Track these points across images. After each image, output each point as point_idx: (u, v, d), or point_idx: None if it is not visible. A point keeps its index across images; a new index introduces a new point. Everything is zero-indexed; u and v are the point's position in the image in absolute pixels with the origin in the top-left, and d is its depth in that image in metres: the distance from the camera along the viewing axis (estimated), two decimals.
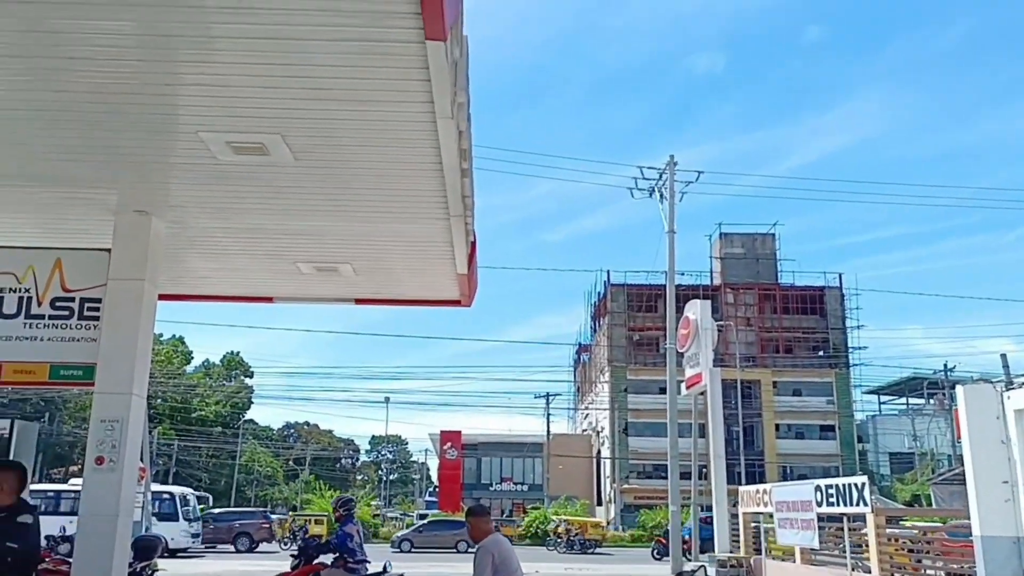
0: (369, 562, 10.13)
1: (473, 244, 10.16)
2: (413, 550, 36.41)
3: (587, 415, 74.93)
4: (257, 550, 34.91)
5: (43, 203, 8.88)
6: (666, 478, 26.20)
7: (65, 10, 5.28)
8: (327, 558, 10.12)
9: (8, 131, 7.21)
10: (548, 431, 58.48)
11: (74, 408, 50.28)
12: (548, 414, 58.25)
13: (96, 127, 6.96)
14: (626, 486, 58.14)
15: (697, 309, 24.35)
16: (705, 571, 18.39)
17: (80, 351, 9.13)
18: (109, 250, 9.19)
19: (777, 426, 64.58)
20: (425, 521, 41.80)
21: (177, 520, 30.52)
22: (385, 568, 9.79)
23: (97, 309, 9.19)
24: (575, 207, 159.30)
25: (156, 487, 32.13)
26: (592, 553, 35.78)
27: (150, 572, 10.42)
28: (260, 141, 7.08)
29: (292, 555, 10.83)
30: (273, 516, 43.33)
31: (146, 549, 10.39)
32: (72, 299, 9.29)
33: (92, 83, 6.20)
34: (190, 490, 35.60)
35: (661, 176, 29.62)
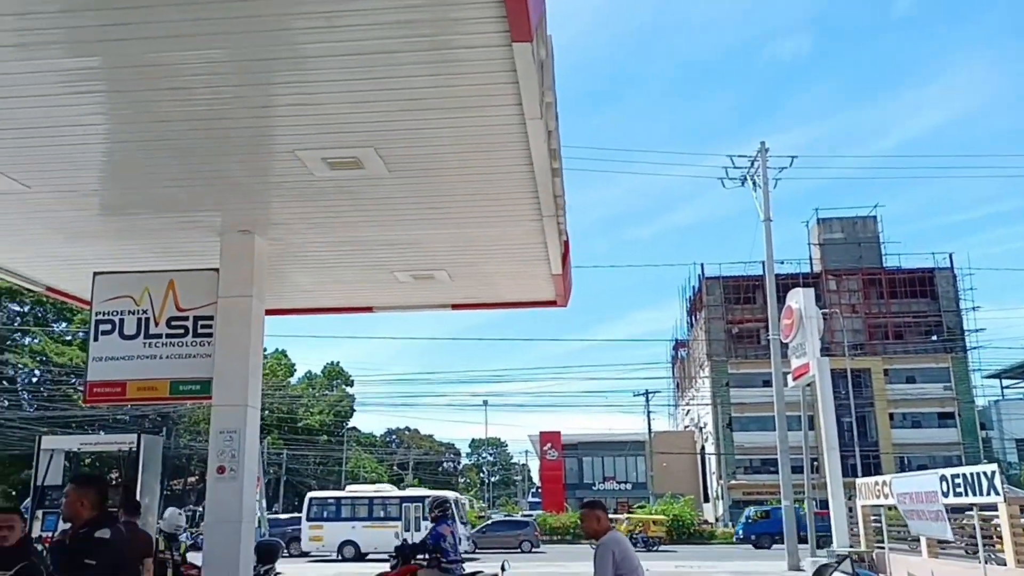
0: (463, 562, 10.24)
1: (566, 244, 10.12)
2: (477, 551, 36.43)
3: (688, 411, 73.74)
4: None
5: (154, 229, 9.31)
6: (775, 472, 25.53)
7: (161, 44, 5.50)
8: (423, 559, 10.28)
9: (119, 164, 7.59)
10: (649, 428, 57.84)
11: (188, 422, 52.59)
12: (648, 411, 57.64)
13: (197, 153, 7.25)
14: (733, 482, 56.90)
15: (800, 297, 23.61)
16: (851, 562, 17.51)
17: (197, 367, 9.54)
18: (217, 269, 9.58)
19: (891, 415, 62.02)
20: (488, 522, 41.78)
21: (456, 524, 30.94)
22: (503, 567, 9.84)
23: (210, 326, 9.59)
24: (663, 202, 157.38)
25: (432, 492, 34.04)
26: (655, 551, 35.34)
27: (273, 575, 10.82)
28: (354, 155, 7.23)
29: (390, 556, 11.04)
30: None
31: (268, 552, 10.82)
32: (186, 318, 9.71)
33: (191, 111, 6.46)
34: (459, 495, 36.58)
35: (753, 164, 28.94)
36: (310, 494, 35.14)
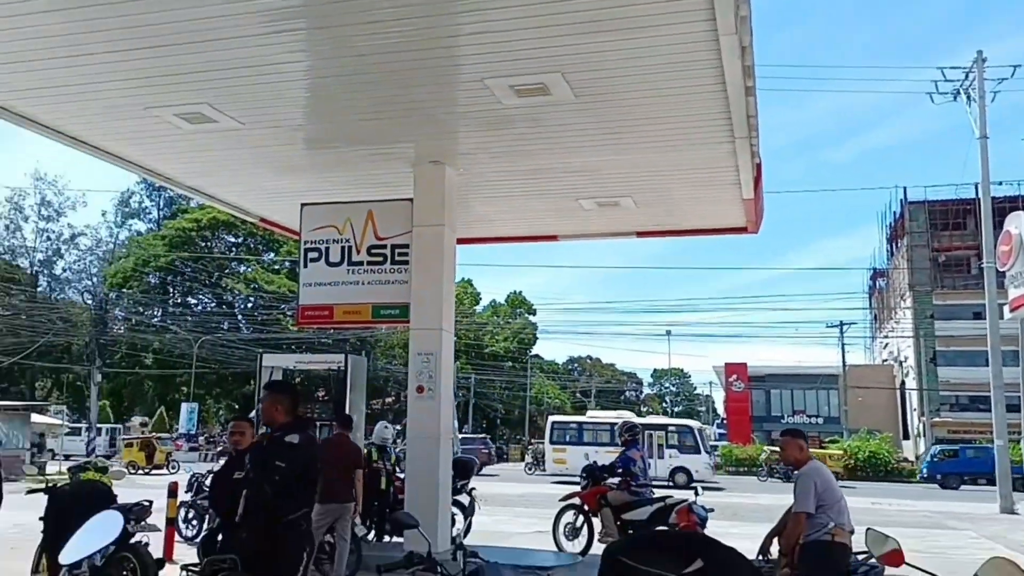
0: (652, 487, 10.27)
1: (758, 167, 9.69)
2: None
3: (887, 344, 69.58)
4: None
5: (352, 161, 9.82)
6: (984, 410, 23.67)
7: None
8: (613, 481, 10.43)
9: (320, 99, 8.02)
10: (844, 361, 55.16)
11: (384, 347, 55.92)
12: (842, 343, 54.81)
13: (390, 86, 7.50)
14: (937, 419, 53.42)
15: (1020, 222, 21.39)
16: None
17: (395, 292, 10.11)
18: (412, 200, 10.00)
19: None
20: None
21: (699, 452, 31.52)
22: (696, 492, 9.84)
23: (406, 254, 10.09)
24: (860, 122, 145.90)
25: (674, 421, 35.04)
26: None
27: (468, 489, 11.42)
28: (541, 81, 7.23)
29: (581, 477, 11.30)
30: None
31: (464, 468, 11.44)
32: (384, 246, 10.26)
33: (384, 44, 6.66)
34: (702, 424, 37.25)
35: (967, 76, 26.10)
36: (552, 418, 35.95)
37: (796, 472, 5.39)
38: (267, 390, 5.06)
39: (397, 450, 12.58)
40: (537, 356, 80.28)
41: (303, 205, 10.72)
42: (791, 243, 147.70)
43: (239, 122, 8.37)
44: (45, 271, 54.70)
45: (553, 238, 13.22)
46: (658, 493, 10.25)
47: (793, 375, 61.27)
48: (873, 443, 41.53)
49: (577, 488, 11.40)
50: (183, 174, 10.60)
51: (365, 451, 9.93)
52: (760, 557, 5.78)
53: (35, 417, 30.25)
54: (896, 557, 4.40)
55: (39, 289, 52.93)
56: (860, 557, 5.27)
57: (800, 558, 5.16)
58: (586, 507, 10.76)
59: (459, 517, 10.90)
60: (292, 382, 9.31)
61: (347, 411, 9.86)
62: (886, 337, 69.94)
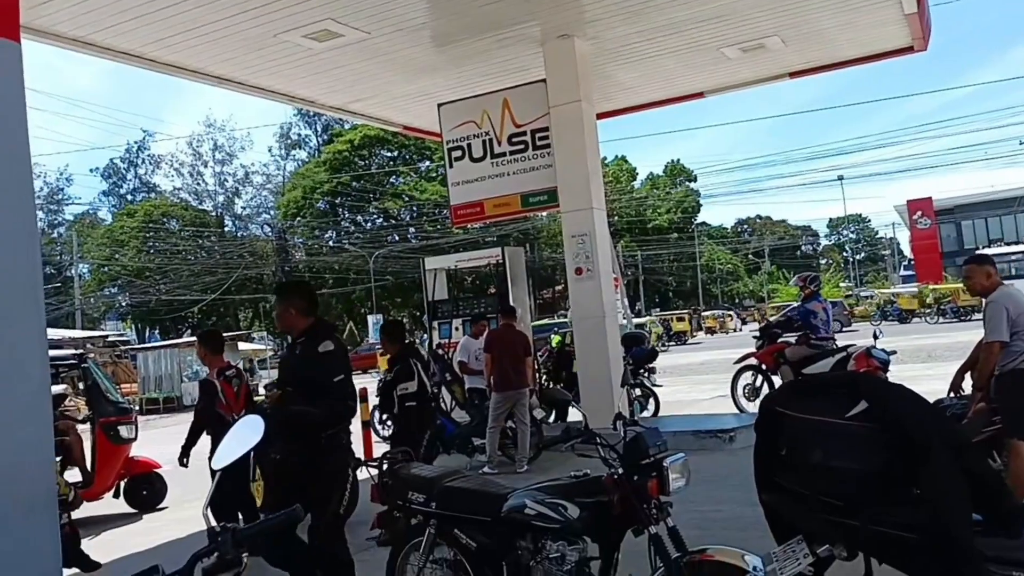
0: (833, 339, 9.74)
1: None
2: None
3: None
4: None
5: (481, 51, 9.65)
6: None
7: None
8: (792, 338, 10.05)
9: None
10: None
11: (547, 236, 56.39)
12: None
13: None
14: None
15: None
16: None
17: (541, 178, 10.03)
18: (544, 80, 9.76)
19: None
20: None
21: None
22: (875, 335, 9.35)
23: (546, 137, 9.93)
24: None
25: None
26: (966, 320, 31.37)
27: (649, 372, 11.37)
28: None
29: (754, 336, 10.98)
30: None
31: (634, 339, 11.42)
32: (524, 133, 10.14)
33: None
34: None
35: None
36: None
37: (985, 300, 4.93)
38: (277, 295, 4.60)
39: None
40: (703, 224, 78.42)
41: (439, 105, 10.74)
42: (967, 60, 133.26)
43: (364, 32, 8.41)
44: (227, 211, 58.93)
45: (699, 95, 12.53)
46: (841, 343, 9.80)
47: (985, 202, 56.36)
48: None
49: (752, 349, 11.12)
50: (324, 94, 10.87)
51: (558, 337, 10.10)
52: (951, 395, 5.41)
53: (242, 345, 33.03)
54: None
55: (226, 229, 57.23)
56: None
57: (996, 389, 4.78)
58: (764, 366, 10.46)
59: (650, 402, 10.97)
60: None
61: (510, 302, 10.03)
62: None
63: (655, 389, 11.21)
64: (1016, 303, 4.79)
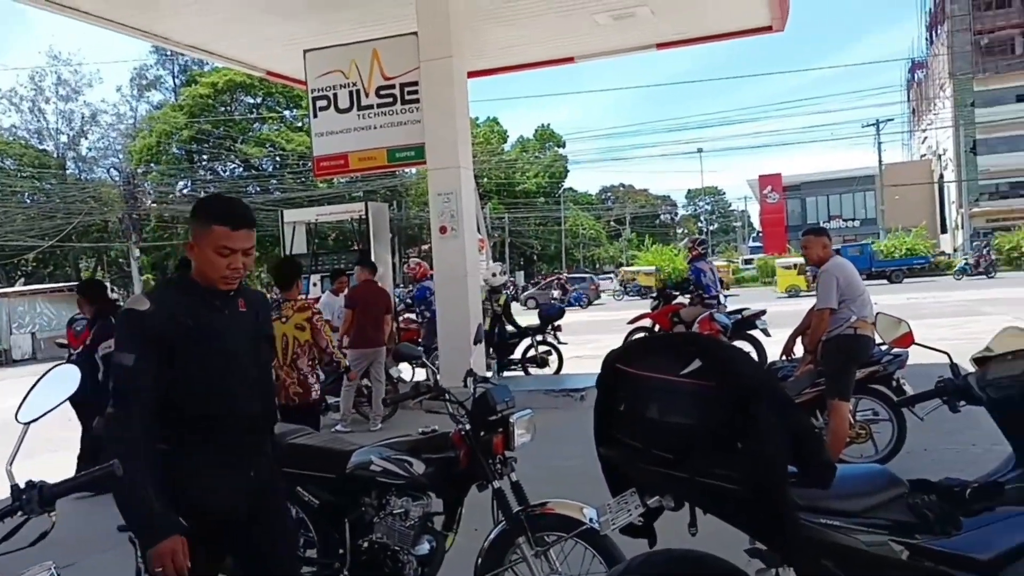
0: (720, 298, 10.13)
1: None
2: None
3: (925, 138, 67.49)
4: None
5: None
6: None
7: None
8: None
9: None
10: (880, 160, 53.75)
11: (415, 195, 55.82)
12: (879, 142, 53.09)
13: None
14: (976, 209, 52.57)
15: None
16: None
17: (409, 134, 9.85)
18: (416, 33, 9.55)
19: None
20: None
21: None
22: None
23: (415, 92, 9.75)
24: None
25: None
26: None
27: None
28: None
29: (652, 298, 11.30)
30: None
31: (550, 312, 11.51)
32: (393, 86, 9.92)
33: None
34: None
35: None
36: None
37: (818, 270, 5.27)
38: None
39: (509, 290, 12.60)
40: (570, 189, 79.73)
41: (306, 52, 10.32)
42: (824, 46, 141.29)
43: None
44: (71, 152, 54.80)
45: (570, 60, 12.65)
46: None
47: (829, 180, 60.24)
48: (908, 239, 41.07)
49: (646, 310, 11.41)
50: (184, 31, 10.24)
51: (483, 296, 10.03)
52: (783, 358, 5.80)
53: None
54: (907, 339, 4.35)
55: (68, 171, 53.21)
56: (883, 348, 5.25)
57: (823, 353, 5.16)
58: (658, 327, 10.65)
59: (553, 358, 11.13)
60: (327, 240, 9.08)
61: (372, 259, 9.87)
62: (924, 131, 67.87)
63: (560, 347, 11.39)
64: (846, 274, 5.14)
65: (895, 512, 1.99)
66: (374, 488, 3.18)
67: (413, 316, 11.39)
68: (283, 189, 49.59)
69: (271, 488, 2.41)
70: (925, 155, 67.09)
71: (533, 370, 11.01)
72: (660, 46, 12.13)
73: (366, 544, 3.17)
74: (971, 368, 2.48)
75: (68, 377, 1.72)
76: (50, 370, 1.79)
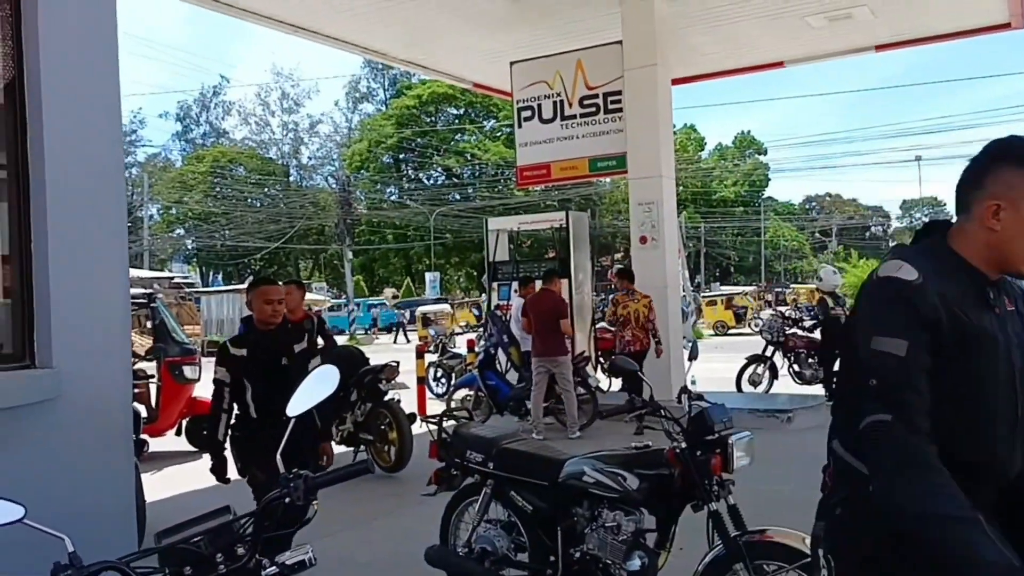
0: None
1: None
2: None
3: None
4: None
5: (556, 9, 9.51)
6: None
7: None
8: None
9: None
10: None
11: (608, 203, 55.84)
12: None
13: None
14: None
15: None
16: None
17: (611, 143, 9.89)
18: (620, 42, 9.57)
19: None
20: None
21: None
22: None
23: (619, 101, 9.77)
24: None
25: None
26: None
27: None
28: None
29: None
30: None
31: None
32: (596, 95, 10.00)
33: None
34: None
35: None
36: None
37: None
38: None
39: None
40: (770, 198, 76.74)
41: (512, 63, 10.63)
42: None
43: None
44: (293, 161, 59.73)
45: (779, 65, 12.17)
46: None
47: None
48: None
49: None
50: (398, 47, 10.87)
51: (817, 298, 10.05)
52: None
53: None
54: None
55: (290, 178, 58.06)
56: None
57: None
58: None
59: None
60: (525, 247, 9.30)
61: (571, 268, 9.97)
62: None
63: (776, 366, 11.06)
64: None
65: None
66: (586, 499, 3.20)
67: (606, 324, 11.37)
68: (481, 197, 51.28)
69: None
70: None
71: (747, 387, 10.69)
72: (879, 48, 11.40)
73: (578, 554, 3.19)
74: None
75: (329, 377, 1.87)
76: (314, 369, 1.97)
